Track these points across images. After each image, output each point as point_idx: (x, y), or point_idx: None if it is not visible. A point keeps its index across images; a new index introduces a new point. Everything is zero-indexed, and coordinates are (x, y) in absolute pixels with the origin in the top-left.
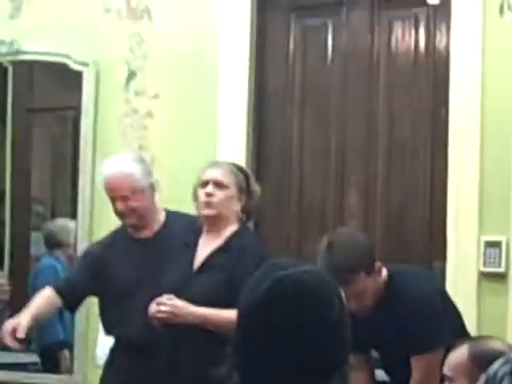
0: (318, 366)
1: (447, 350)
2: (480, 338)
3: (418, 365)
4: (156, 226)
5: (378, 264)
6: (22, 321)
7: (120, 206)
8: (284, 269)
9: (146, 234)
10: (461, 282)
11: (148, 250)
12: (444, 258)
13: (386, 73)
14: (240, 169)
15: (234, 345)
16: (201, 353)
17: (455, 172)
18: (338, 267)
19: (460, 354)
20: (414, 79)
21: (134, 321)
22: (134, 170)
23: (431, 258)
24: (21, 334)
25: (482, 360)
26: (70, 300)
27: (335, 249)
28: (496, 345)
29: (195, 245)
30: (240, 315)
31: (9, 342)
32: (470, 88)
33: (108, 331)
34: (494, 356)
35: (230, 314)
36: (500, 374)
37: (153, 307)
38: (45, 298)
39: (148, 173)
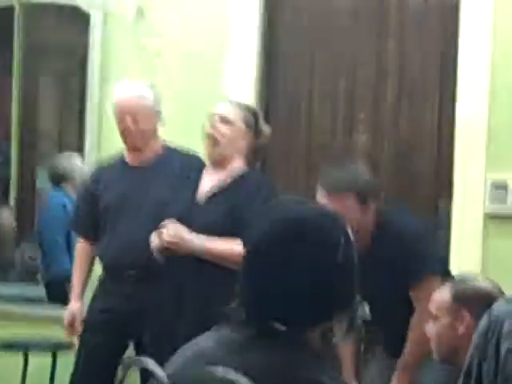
0: (325, 305)
1: None
2: (463, 276)
3: (417, 297)
4: (153, 155)
5: (372, 202)
6: (75, 312)
7: (130, 124)
8: (291, 207)
9: (142, 160)
10: (467, 222)
11: (140, 175)
12: (450, 199)
13: (396, 12)
14: (249, 107)
15: (241, 282)
16: (206, 286)
17: (463, 112)
18: (335, 176)
19: (444, 292)
20: (424, 19)
21: (117, 241)
22: (148, 94)
23: (437, 197)
24: (78, 330)
25: (463, 298)
26: (96, 235)
27: (340, 166)
28: (478, 283)
29: (197, 179)
30: (246, 253)
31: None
32: (481, 29)
33: (99, 256)
34: (475, 294)
35: (234, 246)
36: (503, 313)
37: (156, 237)
38: (83, 263)
39: (158, 101)
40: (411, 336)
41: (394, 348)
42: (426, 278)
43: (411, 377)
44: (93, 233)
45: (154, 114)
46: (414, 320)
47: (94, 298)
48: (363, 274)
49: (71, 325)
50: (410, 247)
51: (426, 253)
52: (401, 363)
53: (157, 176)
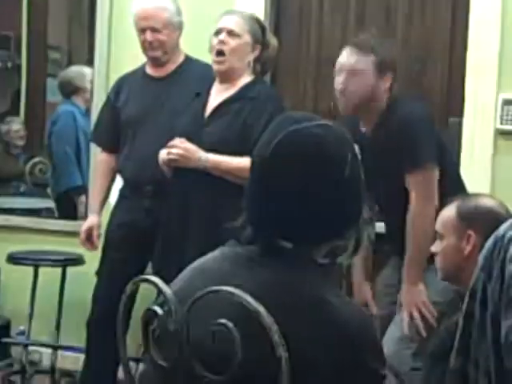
0: (331, 222)
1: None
2: (469, 195)
3: (413, 183)
4: (173, 66)
5: (389, 75)
6: (94, 225)
7: (150, 36)
8: (298, 122)
9: (162, 72)
10: (477, 138)
11: (160, 87)
12: (461, 115)
13: None
14: (256, 19)
15: (248, 198)
16: (213, 202)
17: (476, 29)
18: (361, 38)
19: (449, 211)
20: None
21: (136, 155)
22: (169, 5)
23: (448, 113)
24: (96, 243)
25: (468, 217)
26: (117, 147)
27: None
28: (484, 201)
29: (208, 93)
30: (253, 168)
31: (86, 246)
32: None
33: (118, 169)
34: (481, 213)
35: (241, 161)
36: (509, 234)
37: (164, 150)
38: (102, 177)
39: (179, 12)
40: (409, 227)
41: (402, 244)
42: (423, 165)
43: (419, 272)
44: (113, 145)
45: (175, 26)
46: (410, 210)
47: (114, 213)
48: (368, 160)
49: (88, 238)
50: (410, 132)
51: (425, 140)
52: (407, 259)
53: (175, 88)
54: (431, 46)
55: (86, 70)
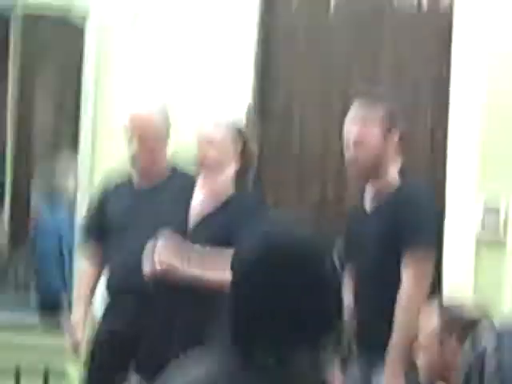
0: (311, 330)
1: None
2: (451, 305)
3: (410, 261)
4: (158, 178)
5: (394, 130)
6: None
7: (137, 146)
8: (278, 229)
9: (146, 184)
10: (458, 248)
11: (146, 197)
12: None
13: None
14: (236, 126)
15: (228, 311)
16: (197, 313)
17: (456, 136)
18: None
19: (431, 322)
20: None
21: (119, 264)
22: (159, 116)
23: None
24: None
25: (451, 328)
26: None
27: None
28: (467, 312)
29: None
30: (232, 277)
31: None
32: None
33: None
34: (464, 323)
35: (225, 274)
36: (488, 351)
37: (146, 259)
38: (86, 290)
39: (168, 125)
40: (398, 310)
41: (369, 334)
42: (424, 248)
43: (402, 359)
44: (98, 255)
45: (163, 138)
46: (401, 291)
47: (102, 318)
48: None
49: (75, 351)
50: (417, 208)
51: (431, 222)
52: (391, 345)
53: (161, 198)
54: (411, 155)
55: (71, 173)
